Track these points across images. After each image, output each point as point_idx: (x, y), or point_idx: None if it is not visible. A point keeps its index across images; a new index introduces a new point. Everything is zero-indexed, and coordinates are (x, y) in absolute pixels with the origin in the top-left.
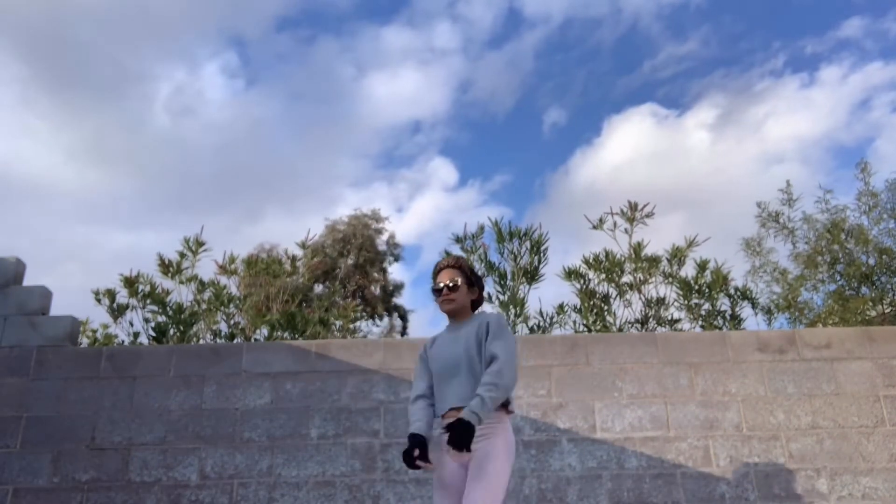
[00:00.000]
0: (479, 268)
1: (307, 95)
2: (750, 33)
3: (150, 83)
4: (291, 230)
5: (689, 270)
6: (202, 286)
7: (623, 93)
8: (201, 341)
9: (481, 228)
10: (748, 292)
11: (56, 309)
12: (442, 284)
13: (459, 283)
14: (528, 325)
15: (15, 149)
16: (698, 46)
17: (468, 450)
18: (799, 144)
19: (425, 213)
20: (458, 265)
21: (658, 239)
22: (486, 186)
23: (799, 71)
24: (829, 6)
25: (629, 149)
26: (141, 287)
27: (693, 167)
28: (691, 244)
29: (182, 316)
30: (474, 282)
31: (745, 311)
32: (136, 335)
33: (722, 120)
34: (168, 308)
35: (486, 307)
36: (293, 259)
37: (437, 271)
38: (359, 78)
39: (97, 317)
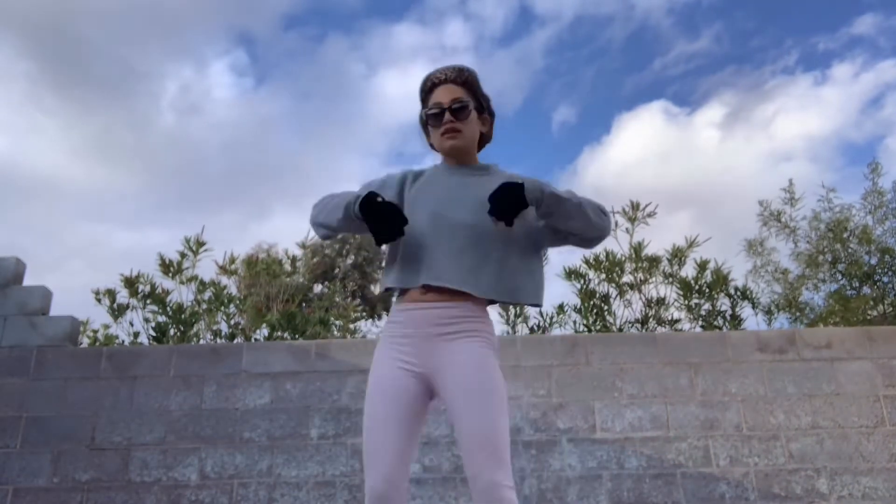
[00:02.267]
0: None
1: (316, 94)
2: (762, 30)
3: (158, 81)
4: (299, 228)
5: (689, 270)
6: (202, 286)
7: (633, 90)
8: (201, 341)
9: None
10: (748, 292)
11: (61, 307)
12: (445, 105)
13: (469, 108)
14: (527, 325)
15: (21, 146)
16: (710, 43)
17: (509, 222)
18: (808, 142)
19: None
20: (465, 80)
21: (666, 237)
22: None
23: (811, 69)
24: (843, 2)
25: (639, 147)
26: (141, 287)
27: (702, 165)
28: (692, 244)
29: (182, 316)
30: (485, 106)
31: (746, 311)
32: (137, 335)
33: (731, 118)
34: (168, 308)
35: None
36: (293, 259)
37: (429, 87)
38: (368, 76)
39: (98, 317)
